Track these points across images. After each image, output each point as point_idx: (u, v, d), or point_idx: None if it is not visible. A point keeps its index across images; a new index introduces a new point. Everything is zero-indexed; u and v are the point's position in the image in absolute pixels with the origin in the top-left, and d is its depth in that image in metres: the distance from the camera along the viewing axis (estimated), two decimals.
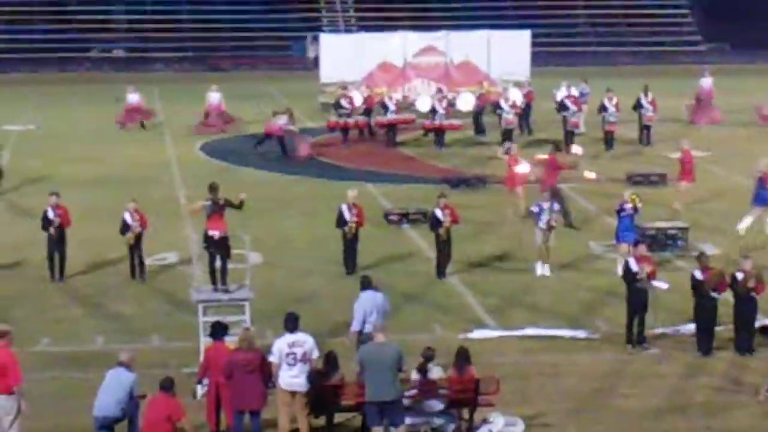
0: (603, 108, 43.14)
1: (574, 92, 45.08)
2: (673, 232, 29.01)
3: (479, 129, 45.91)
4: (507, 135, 41.85)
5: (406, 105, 48.58)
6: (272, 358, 17.90)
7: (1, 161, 39.25)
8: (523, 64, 54.34)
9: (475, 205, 32.95)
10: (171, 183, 37.62)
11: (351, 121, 45.17)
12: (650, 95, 43.74)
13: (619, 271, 26.51)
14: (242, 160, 41.35)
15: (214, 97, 48.06)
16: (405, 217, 31.65)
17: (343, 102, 44.99)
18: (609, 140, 42.60)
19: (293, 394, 17.93)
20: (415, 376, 18.28)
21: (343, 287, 25.19)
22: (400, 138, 44.63)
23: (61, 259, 26.90)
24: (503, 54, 54.08)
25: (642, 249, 22.82)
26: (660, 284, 22.66)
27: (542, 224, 27.05)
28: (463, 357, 18.53)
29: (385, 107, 45.29)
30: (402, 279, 26.68)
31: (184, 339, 22.15)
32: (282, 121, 42.08)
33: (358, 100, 46.27)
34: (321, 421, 18.37)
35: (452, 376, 18.37)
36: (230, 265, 22.79)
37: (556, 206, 27.57)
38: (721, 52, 78.37)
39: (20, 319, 23.48)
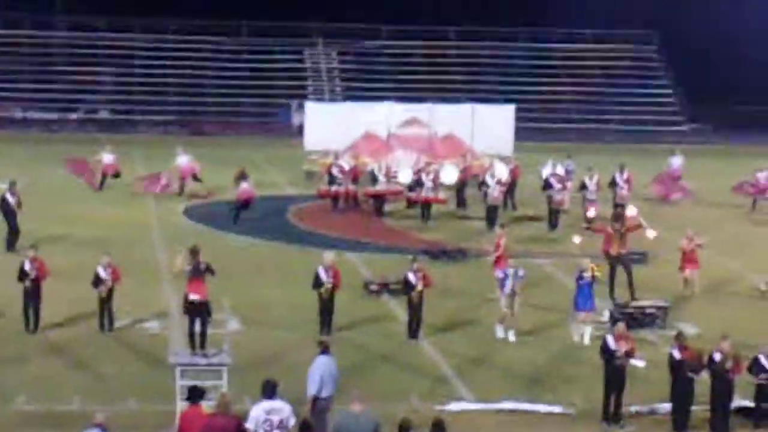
0: (582, 186, 43.38)
1: (560, 170, 45.04)
2: (651, 311, 29.07)
3: (461, 202, 45.99)
4: (492, 212, 41.75)
5: (389, 177, 48.60)
6: (248, 425, 17.80)
7: None
8: (507, 138, 54.65)
9: (453, 275, 33.14)
10: (152, 245, 37.67)
11: (341, 189, 45.25)
12: (626, 173, 44.02)
13: (576, 338, 26.67)
14: (224, 225, 41.37)
15: (182, 159, 48.26)
16: (385, 287, 31.56)
17: (335, 171, 44.95)
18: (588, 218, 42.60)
19: None
20: None
21: None
22: (387, 208, 44.75)
23: (35, 311, 27.04)
24: (487, 128, 54.43)
25: (621, 327, 22.89)
26: (638, 362, 22.71)
27: (507, 290, 27.31)
28: (439, 429, 18.46)
29: (374, 178, 45.34)
30: (376, 340, 26.97)
31: (161, 402, 22.01)
32: (245, 185, 41.92)
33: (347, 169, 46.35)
34: None
35: None
36: (209, 330, 22.76)
37: (521, 272, 27.66)
38: (702, 132, 78.99)
39: None
